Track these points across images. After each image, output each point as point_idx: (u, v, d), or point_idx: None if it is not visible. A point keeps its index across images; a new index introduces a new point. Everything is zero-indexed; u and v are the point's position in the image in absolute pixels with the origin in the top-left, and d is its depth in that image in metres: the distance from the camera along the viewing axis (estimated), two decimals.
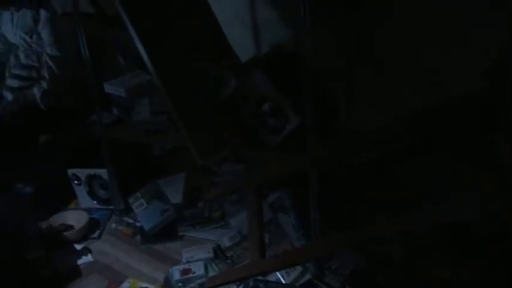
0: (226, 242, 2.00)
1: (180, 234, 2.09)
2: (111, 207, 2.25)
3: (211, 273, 1.86)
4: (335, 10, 1.86)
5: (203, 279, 1.82)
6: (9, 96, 2.45)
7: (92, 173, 2.22)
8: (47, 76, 2.38)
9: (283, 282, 1.75)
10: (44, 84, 2.38)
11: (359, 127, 1.87)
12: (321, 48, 1.69)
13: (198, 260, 1.92)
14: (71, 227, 2.12)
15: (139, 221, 2.14)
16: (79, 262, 1.99)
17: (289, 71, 1.89)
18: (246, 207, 1.70)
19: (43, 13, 2.34)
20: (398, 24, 1.78)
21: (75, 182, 2.25)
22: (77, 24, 1.98)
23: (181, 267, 1.89)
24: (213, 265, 1.90)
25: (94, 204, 2.27)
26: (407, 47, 1.79)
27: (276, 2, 2.14)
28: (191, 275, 1.85)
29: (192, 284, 1.81)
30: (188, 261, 1.92)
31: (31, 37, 2.40)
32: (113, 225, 2.20)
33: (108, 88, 2.25)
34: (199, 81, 1.89)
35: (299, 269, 1.79)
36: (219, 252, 1.96)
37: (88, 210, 2.23)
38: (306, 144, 1.72)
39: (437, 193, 1.59)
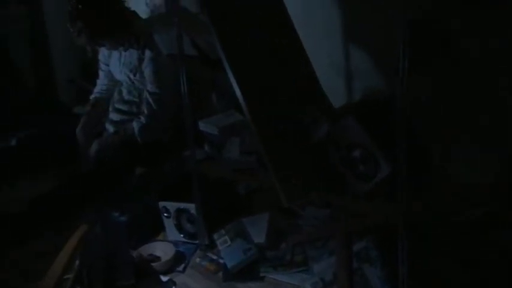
0: None
1: (261, 275, 2.09)
2: (197, 241, 2.31)
3: None
4: (435, 59, 1.83)
5: None
6: (111, 128, 2.63)
7: (181, 207, 2.30)
8: (145, 111, 2.53)
9: None
10: (143, 119, 2.53)
11: (455, 182, 1.79)
12: (416, 98, 1.67)
13: None
14: (158, 258, 2.20)
15: (222, 258, 2.17)
16: None
17: (381, 119, 1.88)
18: (336, 257, 1.68)
19: (147, 53, 2.51)
20: (504, 78, 1.72)
21: (165, 214, 2.33)
22: (178, 65, 2.10)
23: None
24: None
25: (181, 237, 2.34)
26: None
27: (371, 50, 2.15)
28: None
29: None
30: None
31: (135, 75, 2.58)
32: (197, 259, 2.25)
33: (202, 126, 2.34)
34: (292, 123, 1.93)
35: None
36: None
37: (175, 243, 2.31)
38: (395, 194, 1.67)
39: None
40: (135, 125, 2.53)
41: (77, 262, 1.74)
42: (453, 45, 1.86)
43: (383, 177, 1.82)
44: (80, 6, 2.34)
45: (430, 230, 1.84)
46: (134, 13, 2.58)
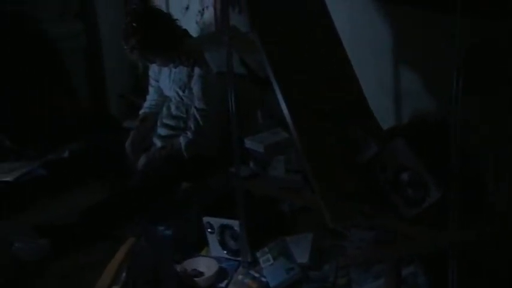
0: None
1: None
2: (240, 258, 2.31)
3: None
4: (491, 82, 1.78)
5: None
6: (158, 143, 2.69)
7: (225, 223, 2.31)
8: (192, 127, 2.57)
9: None
10: (189, 134, 2.58)
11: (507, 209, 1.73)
12: (470, 120, 1.63)
13: None
14: (201, 273, 2.21)
15: (265, 276, 2.16)
16: None
17: (432, 142, 1.84)
18: (384, 282, 1.64)
19: (197, 70, 2.57)
20: None
21: (209, 230, 2.35)
22: (227, 83, 2.14)
23: None
24: None
25: (224, 253, 2.35)
26: None
27: (421, 70, 2.12)
28: None
29: None
30: None
31: (183, 91, 2.63)
32: (240, 277, 2.24)
33: (248, 143, 2.36)
34: (339, 143, 1.91)
35: None
36: None
37: (218, 259, 2.31)
38: (445, 220, 1.63)
39: None
40: (181, 140, 2.58)
41: (124, 274, 1.78)
42: (508, 68, 1.81)
43: (432, 202, 1.77)
44: (134, 24, 2.42)
45: (481, 256, 1.78)
46: (185, 31, 2.65)
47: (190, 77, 2.59)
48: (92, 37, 3.30)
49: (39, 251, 2.09)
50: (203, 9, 2.97)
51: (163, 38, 2.47)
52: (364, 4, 2.29)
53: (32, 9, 3.12)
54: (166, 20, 2.53)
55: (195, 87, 2.57)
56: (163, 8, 2.70)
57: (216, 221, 2.33)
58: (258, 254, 2.19)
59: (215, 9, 2.88)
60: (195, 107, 2.57)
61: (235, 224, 2.28)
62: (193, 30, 2.93)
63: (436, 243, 1.58)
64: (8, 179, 2.59)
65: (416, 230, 1.77)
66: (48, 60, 3.06)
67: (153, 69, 2.76)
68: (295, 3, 2.06)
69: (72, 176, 2.60)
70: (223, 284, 2.20)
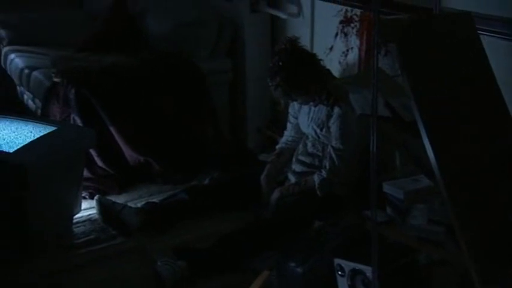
0: None
1: None
2: None
3: None
4: None
5: None
6: (292, 178, 2.73)
7: (357, 268, 2.24)
8: (327, 166, 2.57)
9: None
10: (324, 173, 2.58)
11: None
12: None
13: None
14: None
15: None
16: None
17: None
18: None
19: (336, 110, 2.58)
20: None
21: (339, 272, 2.30)
22: (370, 125, 2.11)
23: None
24: None
25: None
26: None
27: None
28: None
29: None
30: None
31: (321, 129, 2.66)
32: None
33: (387, 188, 2.30)
34: (494, 197, 1.78)
35: None
36: None
37: None
38: None
39: None
40: (316, 178, 2.59)
41: None
42: None
43: None
44: (280, 63, 2.52)
45: None
46: (328, 71, 2.69)
47: (329, 116, 2.61)
48: (238, 73, 3.51)
49: (177, 271, 2.20)
50: (347, 50, 3.00)
51: (308, 77, 2.53)
52: None
53: (188, 49, 3.44)
54: (311, 60, 2.60)
55: (333, 126, 2.58)
56: (308, 47, 2.77)
57: (347, 264, 2.27)
58: None
59: (360, 50, 2.90)
60: (332, 146, 2.58)
61: (367, 269, 2.19)
62: (336, 71, 2.96)
63: None
64: (155, 200, 2.80)
65: None
66: (198, 94, 3.30)
67: (293, 106, 2.82)
68: (450, 47, 1.99)
69: (210, 203, 2.73)
70: None
